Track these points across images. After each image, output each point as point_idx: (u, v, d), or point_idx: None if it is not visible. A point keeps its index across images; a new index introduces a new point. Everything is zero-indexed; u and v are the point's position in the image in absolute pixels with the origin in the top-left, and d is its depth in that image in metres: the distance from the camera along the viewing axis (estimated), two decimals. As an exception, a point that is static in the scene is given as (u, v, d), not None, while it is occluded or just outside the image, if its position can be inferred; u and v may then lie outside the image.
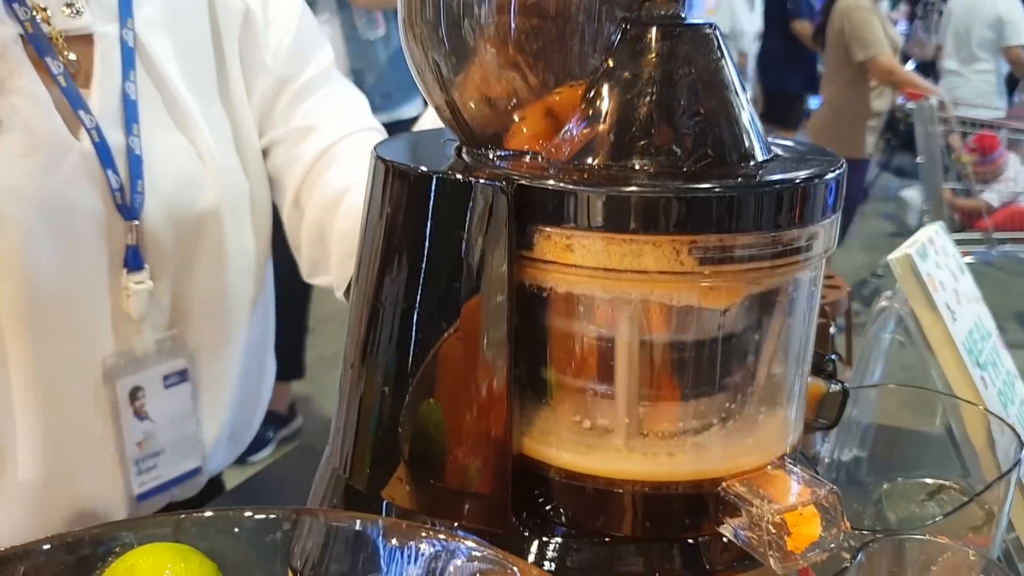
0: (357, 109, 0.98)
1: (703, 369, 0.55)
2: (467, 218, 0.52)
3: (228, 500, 0.99)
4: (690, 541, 0.55)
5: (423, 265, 0.55)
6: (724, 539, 0.54)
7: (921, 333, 0.88)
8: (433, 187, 0.53)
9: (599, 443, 0.55)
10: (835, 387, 0.66)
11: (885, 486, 0.77)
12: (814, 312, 0.58)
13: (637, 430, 0.55)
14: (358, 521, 0.53)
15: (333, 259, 0.90)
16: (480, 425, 0.55)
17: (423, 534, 0.52)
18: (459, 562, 0.51)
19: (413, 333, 0.56)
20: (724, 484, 0.54)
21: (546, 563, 0.55)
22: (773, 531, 0.50)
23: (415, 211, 0.55)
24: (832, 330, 1.03)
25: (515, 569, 0.49)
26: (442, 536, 0.52)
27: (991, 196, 3.91)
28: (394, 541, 0.52)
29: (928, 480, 0.75)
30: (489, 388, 0.54)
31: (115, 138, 0.80)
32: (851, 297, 1.02)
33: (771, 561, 0.50)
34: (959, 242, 2.36)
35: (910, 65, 5.63)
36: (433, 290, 0.55)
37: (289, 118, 0.94)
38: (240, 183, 0.90)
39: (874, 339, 0.91)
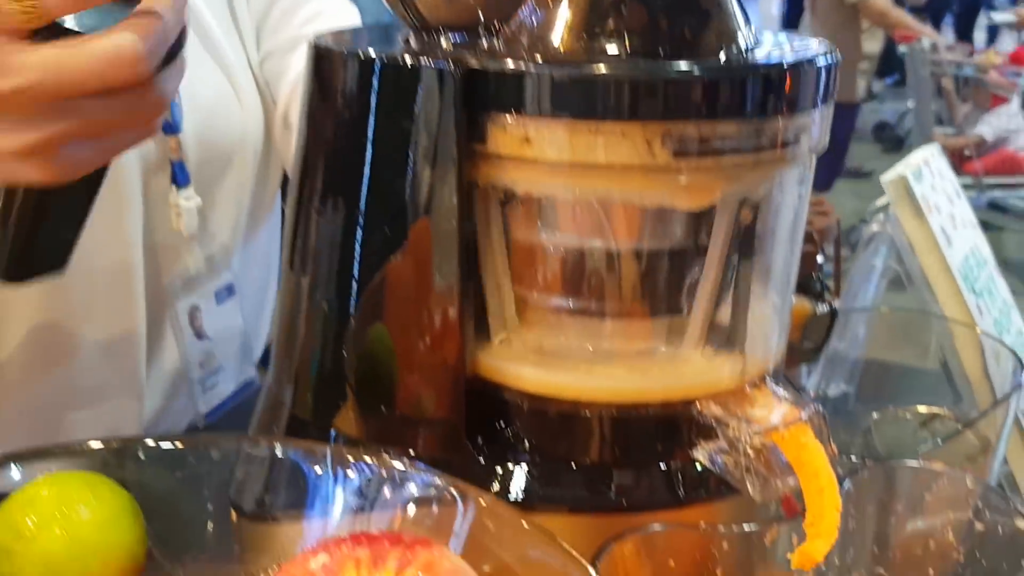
0: (349, 20, 0.93)
1: (677, 282, 0.49)
2: (413, 107, 0.46)
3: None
4: (663, 467, 0.50)
5: (365, 165, 0.49)
6: (699, 466, 0.50)
7: (915, 259, 0.83)
8: (374, 73, 0.48)
9: (562, 362, 0.50)
10: (822, 308, 0.61)
11: (875, 416, 0.72)
12: (800, 223, 0.53)
13: (604, 348, 0.49)
14: (291, 448, 0.48)
15: None
16: (429, 345, 0.49)
17: (364, 460, 0.47)
18: (408, 489, 0.47)
19: (356, 245, 0.50)
20: (698, 405, 0.49)
21: (507, 492, 0.50)
22: (751, 454, 0.46)
23: (355, 101, 0.49)
24: (820, 259, 0.98)
25: (453, 492, 0.44)
26: (387, 463, 0.47)
27: (985, 130, 3.84)
28: (331, 468, 0.47)
29: (920, 409, 0.70)
30: (439, 303, 0.49)
31: None
32: (840, 226, 0.97)
33: (749, 488, 0.46)
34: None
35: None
36: (377, 195, 0.49)
37: (280, 28, 0.89)
38: (258, 104, 0.86)
39: (865, 266, 0.86)
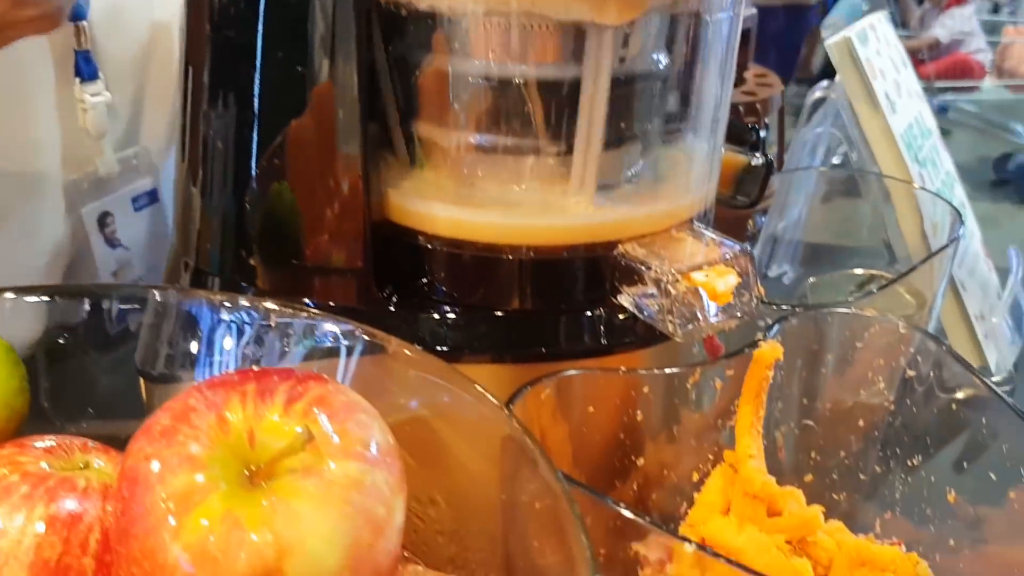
0: None
1: (597, 113, 0.46)
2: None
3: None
4: (587, 314, 0.48)
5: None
6: (623, 314, 0.47)
7: (858, 126, 0.81)
8: None
9: (476, 203, 0.47)
10: (757, 160, 0.58)
11: (811, 280, 0.70)
12: (732, 57, 0.50)
13: (520, 187, 0.47)
14: (191, 298, 0.45)
15: None
16: (332, 189, 0.46)
17: (270, 308, 0.44)
18: (316, 336, 0.44)
19: (255, 75, 0.47)
20: (621, 247, 0.46)
21: (423, 342, 0.47)
22: (674, 293, 0.43)
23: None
24: (763, 133, 0.96)
25: (363, 336, 0.41)
26: (293, 311, 0.44)
27: (940, 32, 3.81)
28: (233, 317, 0.44)
29: (857, 271, 0.69)
30: (340, 136, 0.45)
31: None
32: (784, 98, 0.94)
33: (671, 328, 0.43)
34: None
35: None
36: (273, 34, 0.45)
37: None
38: None
39: (810, 133, 0.83)
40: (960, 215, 0.61)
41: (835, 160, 0.87)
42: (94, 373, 0.49)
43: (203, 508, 0.32)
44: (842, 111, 0.82)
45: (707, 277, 0.44)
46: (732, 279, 0.44)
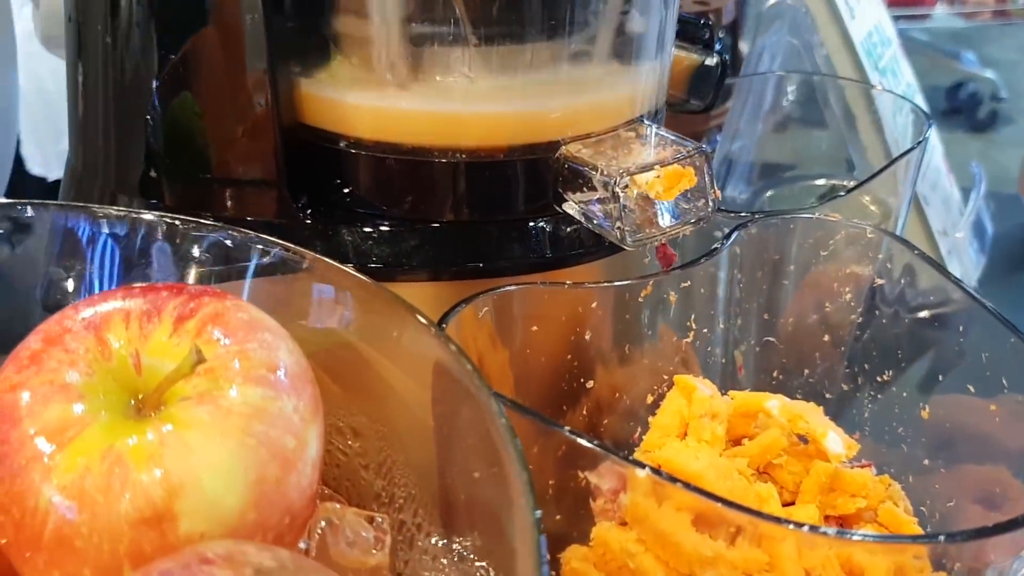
0: None
1: (535, 1, 0.41)
2: None
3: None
4: (530, 224, 0.43)
5: None
6: (569, 223, 0.43)
7: (816, 33, 0.76)
8: None
9: (402, 104, 0.42)
10: (712, 59, 0.54)
11: (769, 193, 0.66)
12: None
13: (451, 84, 0.42)
14: (60, 211, 0.40)
15: None
16: (237, 92, 0.41)
17: (174, 223, 0.39)
18: (228, 253, 0.39)
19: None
20: (564, 149, 0.42)
21: (345, 260, 0.43)
22: (623, 198, 0.39)
23: None
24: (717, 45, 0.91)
25: (275, 252, 0.36)
26: (202, 226, 0.39)
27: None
28: (105, 229, 0.39)
29: (819, 182, 0.65)
30: (247, 37, 0.40)
31: None
32: (741, 7, 0.90)
33: (619, 235, 0.39)
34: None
35: None
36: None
37: None
38: None
39: (765, 43, 0.79)
40: (928, 116, 0.57)
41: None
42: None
43: (80, 443, 0.28)
44: (799, 19, 0.77)
45: (660, 178, 0.39)
46: (686, 181, 0.40)
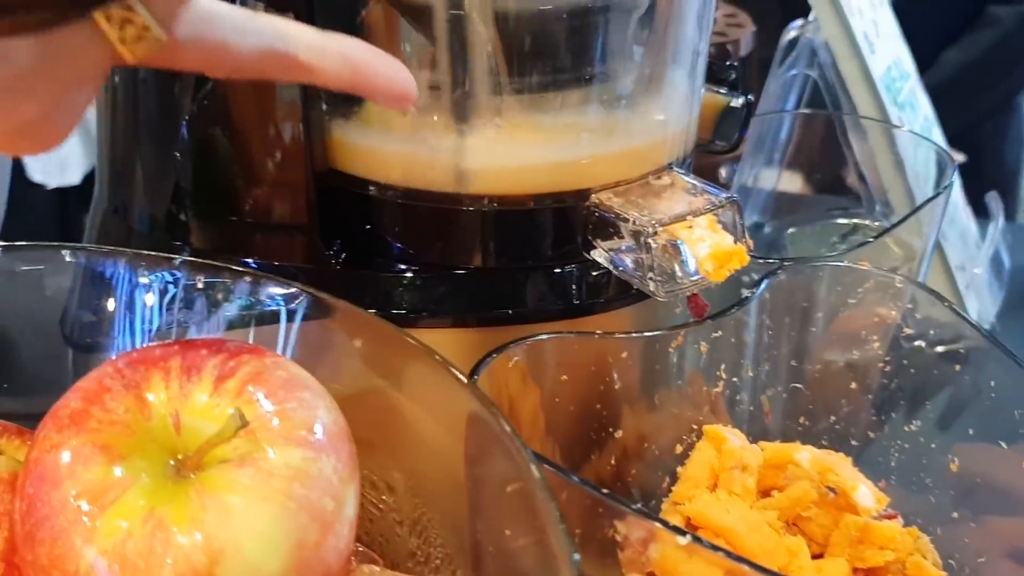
0: None
1: (567, 50, 0.41)
2: None
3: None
4: (557, 271, 0.43)
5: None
6: (597, 269, 0.43)
7: (835, 68, 0.76)
8: None
9: (434, 152, 0.42)
10: (737, 100, 0.54)
11: (791, 231, 0.66)
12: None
13: (482, 131, 0.42)
14: (116, 257, 0.40)
15: None
16: (271, 133, 0.41)
17: (201, 269, 0.39)
18: (256, 300, 0.39)
19: None
20: (594, 197, 0.42)
21: (375, 305, 0.43)
22: (654, 247, 0.39)
23: None
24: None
25: (304, 299, 0.36)
26: (231, 272, 0.39)
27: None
28: (163, 278, 0.39)
29: (840, 220, 0.65)
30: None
31: None
32: (756, 39, 0.90)
33: (651, 286, 0.39)
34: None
35: None
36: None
37: None
38: None
39: (783, 77, 0.79)
40: (951, 158, 0.57)
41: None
42: (12, 342, 0.44)
43: (121, 506, 0.28)
44: (819, 52, 0.77)
45: (709, 256, 0.39)
46: (736, 260, 0.40)
